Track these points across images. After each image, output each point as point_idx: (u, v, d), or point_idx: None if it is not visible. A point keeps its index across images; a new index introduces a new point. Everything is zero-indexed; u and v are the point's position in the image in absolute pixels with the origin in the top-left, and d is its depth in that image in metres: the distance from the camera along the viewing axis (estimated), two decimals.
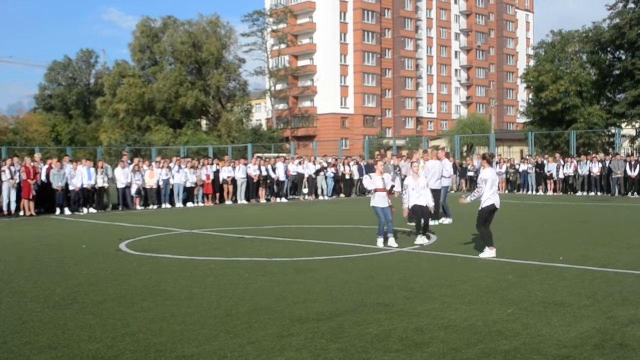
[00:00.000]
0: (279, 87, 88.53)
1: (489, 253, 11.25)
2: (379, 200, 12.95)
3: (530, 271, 9.82)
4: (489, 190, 11.45)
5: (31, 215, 22.25)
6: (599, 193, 30.58)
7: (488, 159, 11.99)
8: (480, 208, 11.57)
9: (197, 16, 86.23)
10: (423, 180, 13.64)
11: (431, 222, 16.97)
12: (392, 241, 12.84)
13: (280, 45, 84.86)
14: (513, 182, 34.29)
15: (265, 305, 7.68)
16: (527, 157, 36.35)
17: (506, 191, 33.80)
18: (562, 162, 32.55)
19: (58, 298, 8.35)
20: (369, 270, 10.13)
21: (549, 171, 32.52)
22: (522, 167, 33.91)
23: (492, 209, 11.53)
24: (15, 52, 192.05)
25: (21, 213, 22.32)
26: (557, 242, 13.22)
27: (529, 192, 32.77)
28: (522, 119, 64.26)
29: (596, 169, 30.75)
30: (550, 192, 32.26)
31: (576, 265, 10.26)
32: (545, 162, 33.20)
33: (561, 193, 31.87)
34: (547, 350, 5.77)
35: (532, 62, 60.05)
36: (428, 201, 13.45)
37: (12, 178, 22.00)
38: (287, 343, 6.10)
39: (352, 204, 27.62)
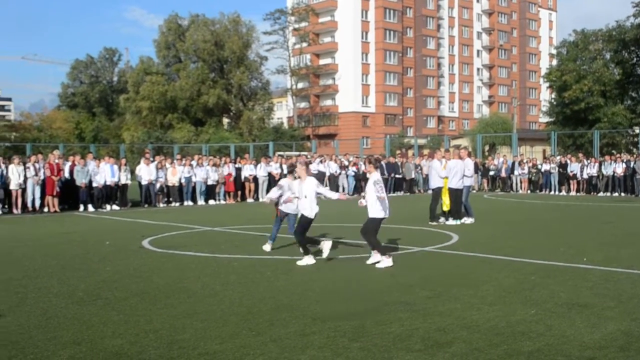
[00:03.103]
0: (300, 85, 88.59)
1: (387, 262, 10.38)
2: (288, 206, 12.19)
3: (554, 272, 9.74)
4: (378, 199, 10.67)
5: (55, 211, 22.47)
6: (622, 194, 30.27)
7: (374, 164, 11.34)
8: (373, 217, 10.73)
9: (218, 15, 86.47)
10: (310, 186, 11.11)
11: (453, 222, 16.98)
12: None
13: (301, 43, 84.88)
14: (535, 182, 34.05)
15: (287, 304, 7.69)
16: (550, 157, 36.08)
17: (528, 191, 33.59)
18: (585, 162, 32.29)
19: (82, 294, 8.42)
20: (391, 269, 10.10)
21: (572, 171, 32.26)
22: (545, 167, 33.66)
23: (382, 219, 10.83)
24: (37, 49, 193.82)
25: (45, 209, 22.56)
26: (581, 243, 13.10)
27: (552, 192, 32.53)
28: (545, 119, 63.86)
29: (620, 169, 30.44)
30: (573, 193, 32.00)
31: (600, 266, 10.16)
32: (568, 162, 32.96)
33: (584, 193, 31.60)
34: (571, 352, 5.72)
35: (554, 62, 59.65)
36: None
37: (36, 175, 22.25)
38: (309, 341, 6.10)
39: None
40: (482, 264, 10.64)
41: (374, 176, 10.90)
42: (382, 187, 10.75)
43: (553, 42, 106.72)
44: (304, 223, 11.04)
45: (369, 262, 10.63)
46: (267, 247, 12.42)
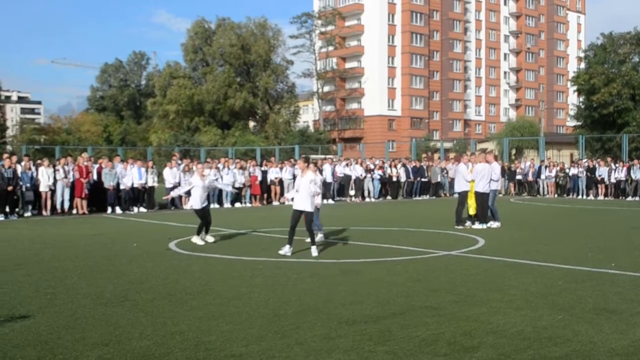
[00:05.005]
0: (326, 89, 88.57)
1: (287, 250, 12.00)
2: None
3: (581, 277, 9.65)
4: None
5: (84, 213, 22.72)
6: None
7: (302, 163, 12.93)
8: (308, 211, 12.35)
9: (245, 19, 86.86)
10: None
11: (479, 226, 16.91)
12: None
13: (328, 47, 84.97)
14: (563, 187, 33.74)
15: (313, 307, 7.70)
16: (578, 161, 35.73)
17: (556, 195, 33.29)
18: (613, 166, 31.92)
19: (110, 295, 8.50)
20: (417, 273, 10.08)
21: (600, 175, 31.91)
22: (572, 171, 33.35)
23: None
24: (67, 53, 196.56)
25: (74, 211, 22.82)
26: (609, 248, 12.96)
27: (579, 197, 32.22)
28: (573, 123, 63.27)
29: None
30: (601, 197, 31.66)
31: (629, 272, 10.05)
32: (596, 166, 32.61)
33: (612, 198, 31.26)
34: (598, 358, 5.67)
35: (582, 65, 59.09)
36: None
37: (65, 177, 22.52)
38: (335, 345, 6.11)
39: (398, 206, 27.52)
40: (509, 268, 10.56)
41: (309, 175, 12.30)
42: (318, 186, 12.52)
43: (581, 45, 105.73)
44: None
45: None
46: (320, 237, 13.97)
